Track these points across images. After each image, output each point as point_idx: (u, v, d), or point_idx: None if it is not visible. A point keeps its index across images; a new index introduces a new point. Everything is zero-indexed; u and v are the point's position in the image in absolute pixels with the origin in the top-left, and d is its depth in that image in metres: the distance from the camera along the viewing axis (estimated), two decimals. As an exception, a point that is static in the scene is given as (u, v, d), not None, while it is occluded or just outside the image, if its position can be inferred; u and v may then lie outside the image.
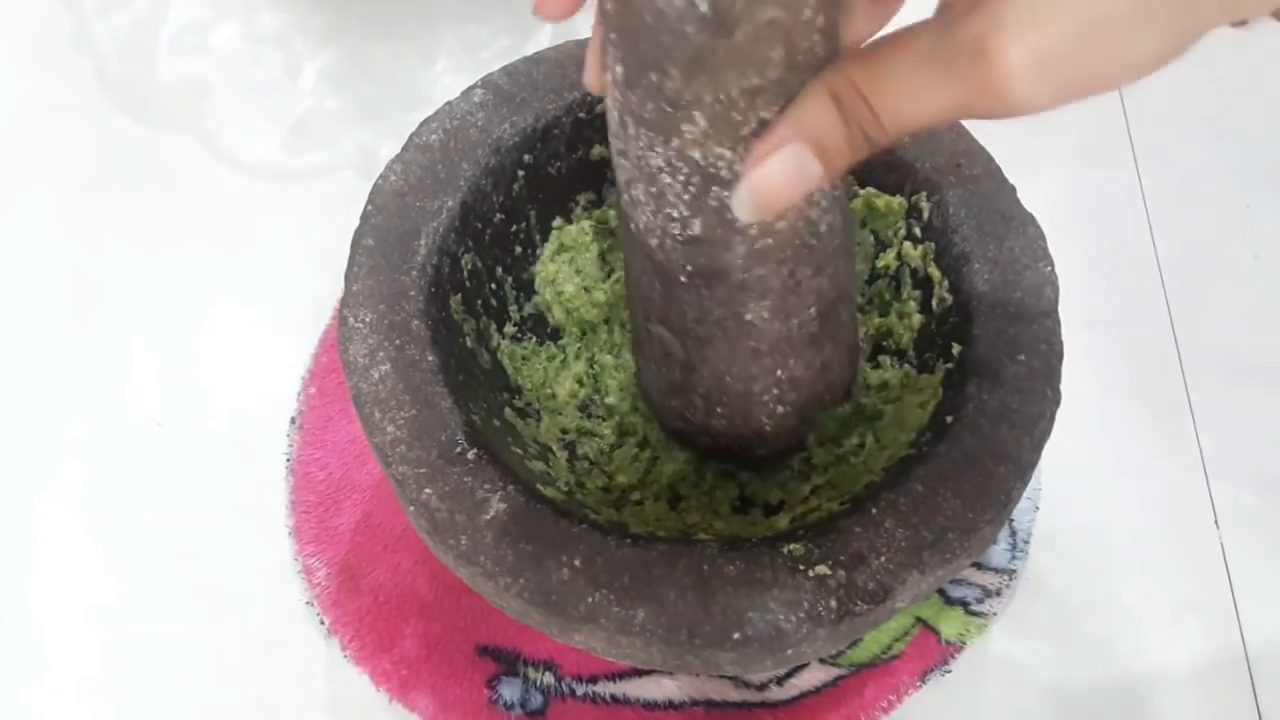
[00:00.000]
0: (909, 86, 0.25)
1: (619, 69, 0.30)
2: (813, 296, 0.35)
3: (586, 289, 0.45)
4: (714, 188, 0.31)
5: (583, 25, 0.32)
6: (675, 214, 0.32)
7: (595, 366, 0.45)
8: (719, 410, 0.39)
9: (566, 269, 0.45)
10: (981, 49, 0.23)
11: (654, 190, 0.32)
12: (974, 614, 0.46)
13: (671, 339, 0.37)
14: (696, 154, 0.30)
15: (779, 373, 0.37)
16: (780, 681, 0.44)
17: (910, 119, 0.26)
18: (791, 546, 0.33)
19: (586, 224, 0.46)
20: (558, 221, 0.46)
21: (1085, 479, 0.49)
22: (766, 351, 0.36)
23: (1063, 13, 0.22)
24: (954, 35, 0.24)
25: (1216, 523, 0.49)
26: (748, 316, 0.35)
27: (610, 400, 0.45)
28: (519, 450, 0.39)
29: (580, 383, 0.45)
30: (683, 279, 0.34)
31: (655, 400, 0.42)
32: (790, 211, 0.32)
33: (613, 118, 0.32)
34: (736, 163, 0.30)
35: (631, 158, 0.32)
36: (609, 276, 0.46)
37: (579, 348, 0.45)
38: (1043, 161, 0.57)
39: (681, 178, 0.31)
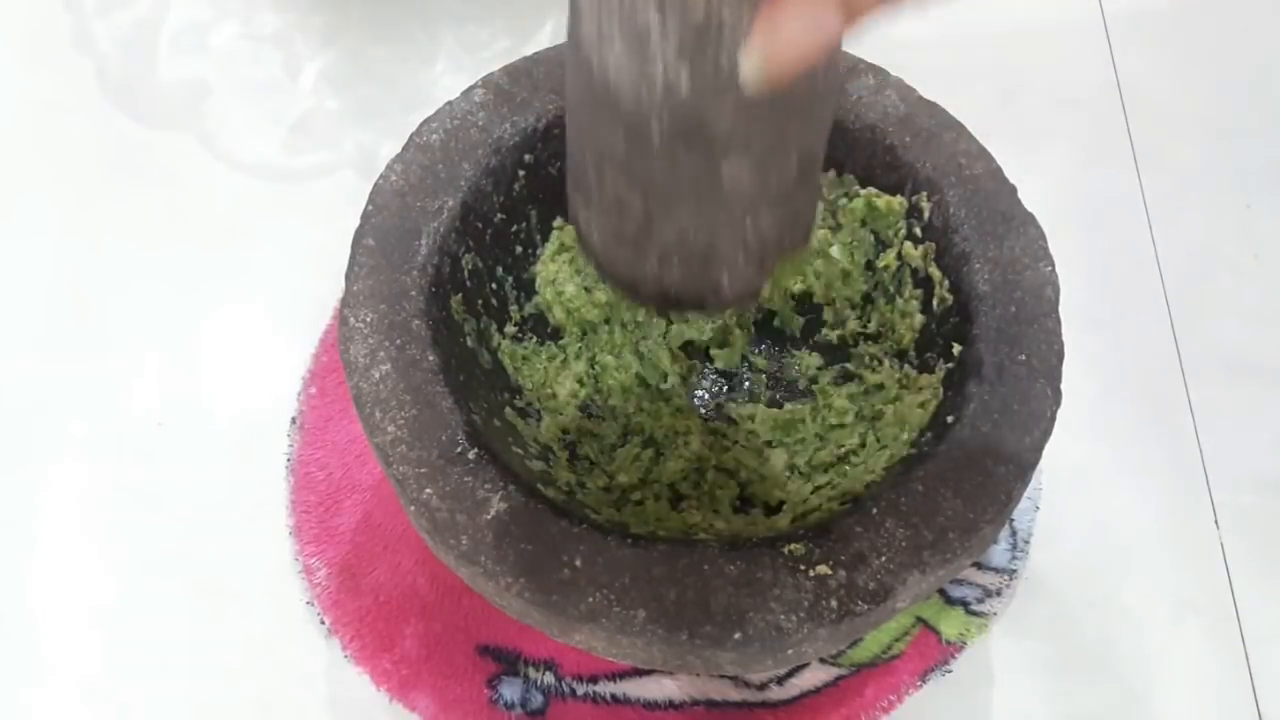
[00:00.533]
0: None
1: None
2: (796, 150, 0.32)
3: (587, 289, 0.45)
4: (712, 40, 0.27)
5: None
6: (658, 66, 0.28)
7: (596, 366, 0.45)
8: (674, 265, 0.35)
9: (567, 269, 0.45)
10: None
11: (636, 35, 0.27)
12: (974, 614, 0.46)
13: (630, 193, 0.33)
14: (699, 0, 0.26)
15: (747, 229, 0.34)
16: (781, 681, 0.44)
17: None
18: (792, 546, 0.33)
19: (587, 224, 0.46)
20: (558, 221, 0.46)
21: (1085, 479, 0.49)
22: (738, 210, 0.33)
23: None
24: None
25: (1216, 523, 0.49)
26: (725, 175, 0.31)
27: (614, 402, 0.45)
28: (519, 450, 0.39)
29: (581, 383, 0.45)
30: (655, 137, 0.30)
31: (598, 248, 0.37)
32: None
33: None
34: (745, 13, 0.26)
35: None
36: (609, 276, 0.46)
37: (579, 348, 0.45)
38: (1043, 161, 0.57)
39: (674, 24, 0.27)
